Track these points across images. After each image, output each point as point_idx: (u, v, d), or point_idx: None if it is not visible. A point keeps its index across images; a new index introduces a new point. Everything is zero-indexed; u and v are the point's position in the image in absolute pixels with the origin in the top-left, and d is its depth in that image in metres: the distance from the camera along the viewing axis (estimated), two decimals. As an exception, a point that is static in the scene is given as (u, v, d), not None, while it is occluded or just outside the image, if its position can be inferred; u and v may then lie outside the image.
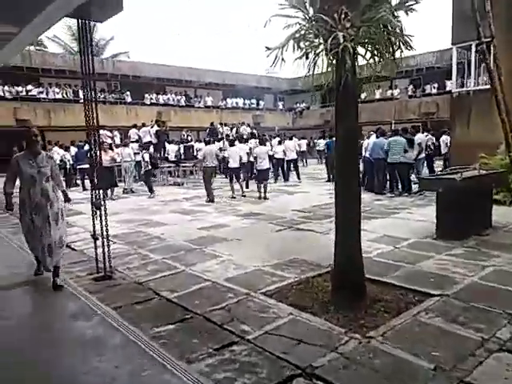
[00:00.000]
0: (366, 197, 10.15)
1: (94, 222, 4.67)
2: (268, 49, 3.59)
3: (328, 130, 30.10)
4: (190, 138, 19.12)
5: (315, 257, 5.18)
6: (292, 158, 14.44)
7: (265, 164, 10.65)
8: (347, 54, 3.44)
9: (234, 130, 20.33)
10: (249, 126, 22.61)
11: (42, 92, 21.99)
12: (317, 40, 3.72)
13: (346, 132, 3.75)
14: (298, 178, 14.40)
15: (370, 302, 3.76)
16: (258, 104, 32.29)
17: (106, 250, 4.65)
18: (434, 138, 13.61)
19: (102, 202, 4.62)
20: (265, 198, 10.46)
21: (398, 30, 3.56)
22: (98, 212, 4.65)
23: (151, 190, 11.78)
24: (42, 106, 21.38)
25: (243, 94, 30.73)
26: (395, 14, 3.57)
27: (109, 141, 16.12)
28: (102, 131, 16.97)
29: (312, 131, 29.52)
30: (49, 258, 4.39)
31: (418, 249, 5.49)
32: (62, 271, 4.86)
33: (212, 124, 20.29)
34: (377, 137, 10.92)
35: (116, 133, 17.63)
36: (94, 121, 4.56)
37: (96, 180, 4.79)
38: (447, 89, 22.19)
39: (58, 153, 16.45)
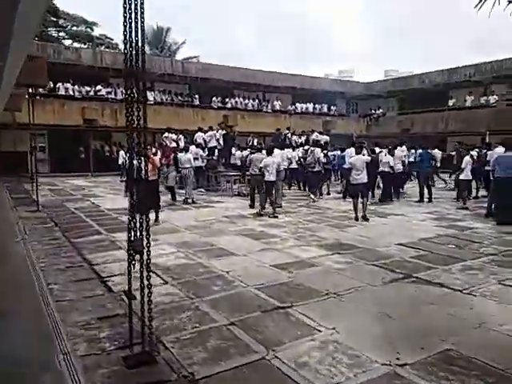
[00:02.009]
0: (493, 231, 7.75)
1: (130, 274, 2.96)
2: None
3: (405, 138, 27.24)
4: (256, 143, 17.51)
5: (478, 347, 3.12)
6: (399, 170, 11.99)
7: (362, 177, 8.61)
8: None
9: (304, 137, 18.47)
10: (321, 133, 20.58)
11: (110, 92, 21.62)
12: None
13: None
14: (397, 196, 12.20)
15: None
16: (329, 109, 29.93)
17: (147, 315, 2.94)
18: None
19: (145, 243, 2.93)
20: (364, 217, 8.60)
21: None
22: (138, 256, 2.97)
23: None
24: (110, 106, 20.92)
25: (314, 99, 28.65)
26: None
27: (173, 144, 15.03)
28: (166, 134, 16.16)
29: (388, 140, 26.68)
30: None
31: None
32: (82, 335, 3.27)
33: (278, 129, 18.55)
34: None
35: (181, 136, 16.45)
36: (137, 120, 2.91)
37: (135, 201, 3.11)
38: None
39: (122, 156, 15.78)
